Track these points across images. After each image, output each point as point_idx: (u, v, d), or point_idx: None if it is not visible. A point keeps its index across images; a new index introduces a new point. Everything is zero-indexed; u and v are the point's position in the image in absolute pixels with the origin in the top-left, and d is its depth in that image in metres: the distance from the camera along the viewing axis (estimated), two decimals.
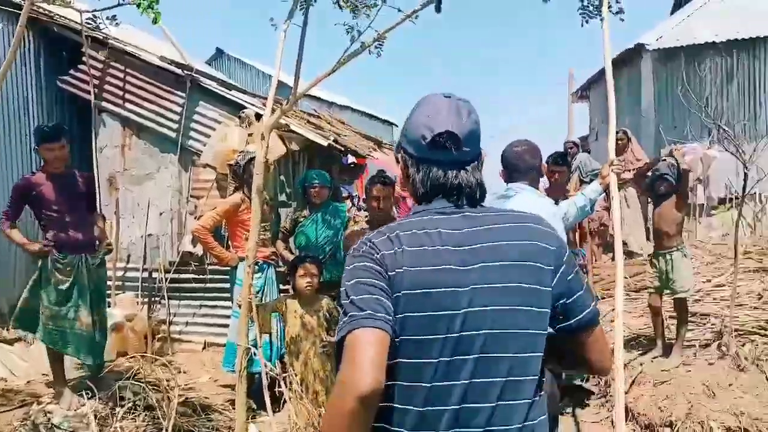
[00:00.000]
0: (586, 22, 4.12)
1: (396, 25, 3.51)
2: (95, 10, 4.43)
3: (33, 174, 4.62)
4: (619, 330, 3.34)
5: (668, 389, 4.72)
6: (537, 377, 1.47)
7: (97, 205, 4.90)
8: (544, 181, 4.24)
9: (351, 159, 9.41)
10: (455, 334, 1.38)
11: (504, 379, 1.40)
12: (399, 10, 3.52)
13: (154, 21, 3.18)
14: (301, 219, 5.25)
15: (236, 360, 3.73)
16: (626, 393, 4.90)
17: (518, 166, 3.22)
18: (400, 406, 1.40)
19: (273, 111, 3.72)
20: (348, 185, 9.90)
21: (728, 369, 4.77)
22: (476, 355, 1.39)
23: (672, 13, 13.37)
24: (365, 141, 9.30)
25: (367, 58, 3.60)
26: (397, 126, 26.62)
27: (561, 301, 1.51)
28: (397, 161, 1.61)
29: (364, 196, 6.82)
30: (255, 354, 3.73)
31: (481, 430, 1.39)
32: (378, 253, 1.42)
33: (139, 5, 3.12)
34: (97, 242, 4.79)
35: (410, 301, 1.38)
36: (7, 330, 6.29)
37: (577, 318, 1.53)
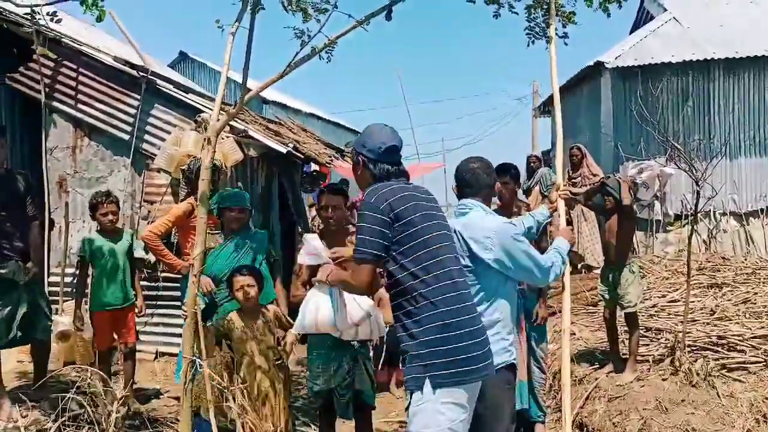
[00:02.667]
0: (532, 42, 4.16)
1: (347, 31, 3.44)
2: (35, 5, 4.24)
3: None
4: (566, 345, 3.35)
5: (622, 404, 4.74)
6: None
7: (34, 207, 4.60)
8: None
9: (313, 167, 9.33)
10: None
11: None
12: (350, 16, 3.46)
13: (98, 19, 3.06)
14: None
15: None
16: (581, 408, 4.92)
17: (471, 182, 3.16)
18: None
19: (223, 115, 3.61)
20: (309, 193, 9.82)
21: (680, 384, 4.80)
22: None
23: (631, 32, 13.64)
24: (328, 149, 9.22)
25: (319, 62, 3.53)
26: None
27: None
28: (357, 162, 2.77)
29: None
30: (200, 366, 3.59)
31: None
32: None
33: (82, 2, 2.99)
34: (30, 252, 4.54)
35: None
36: None
37: None
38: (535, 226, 3.59)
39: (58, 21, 4.39)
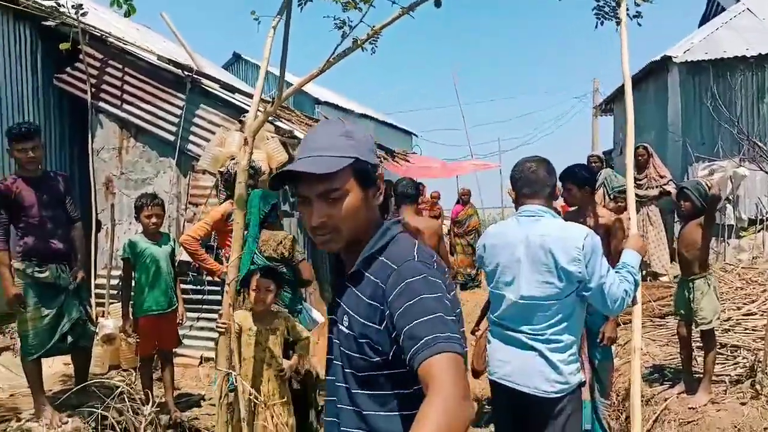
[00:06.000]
0: (601, 23, 3.86)
1: (392, 21, 3.14)
2: None
3: (5, 180, 4.31)
4: (637, 367, 2.97)
5: (695, 430, 4.30)
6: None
7: (75, 208, 4.55)
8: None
9: None
10: None
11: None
12: (394, 2, 3.16)
13: (127, 14, 2.88)
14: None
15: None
16: (648, 431, 4.50)
17: (529, 184, 2.82)
18: None
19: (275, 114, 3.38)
20: None
21: (762, 410, 4.31)
22: None
23: (700, 25, 12.94)
24: (377, 150, 8.97)
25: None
26: (417, 136, 26.36)
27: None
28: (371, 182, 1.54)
29: None
30: (235, 379, 3.38)
31: None
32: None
33: None
34: (74, 256, 4.49)
35: None
36: None
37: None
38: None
39: (84, 14, 4.28)
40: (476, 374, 4.47)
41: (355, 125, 1.55)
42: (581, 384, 2.81)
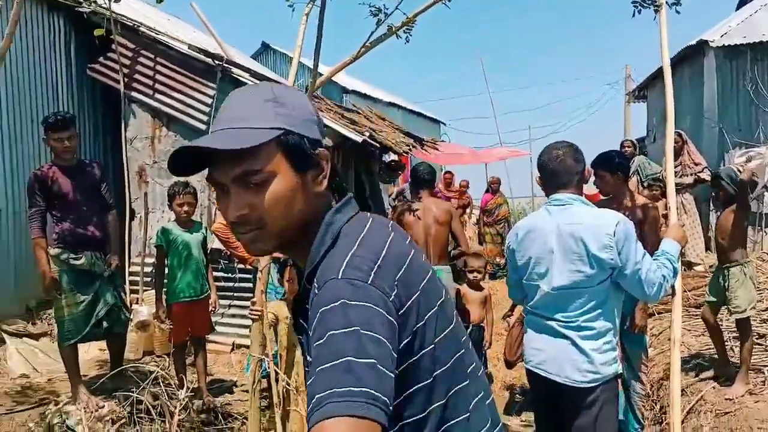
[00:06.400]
0: (638, 12, 3.75)
1: (427, 7, 3.11)
2: None
3: (42, 168, 4.38)
4: (676, 359, 2.90)
5: (732, 421, 4.21)
6: None
7: (109, 195, 4.63)
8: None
9: (392, 156, 9.07)
10: None
11: None
12: None
13: (159, 0, 2.89)
14: None
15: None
16: (683, 422, 4.42)
17: (557, 171, 2.77)
18: None
19: None
20: (387, 183, 9.58)
21: None
22: None
23: (737, 8, 12.59)
24: (406, 139, 8.92)
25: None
26: (445, 124, 26.21)
27: None
28: (308, 158, 1.16)
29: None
30: (267, 365, 3.41)
31: None
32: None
33: None
34: (109, 243, 4.57)
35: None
36: (32, 324, 6.20)
37: None
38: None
39: (117, 0, 4.30)
40: (509, 365, 4.45)
41: (290, 89, 1.21)
42: (617, 375, 2.76)
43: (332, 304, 1.00)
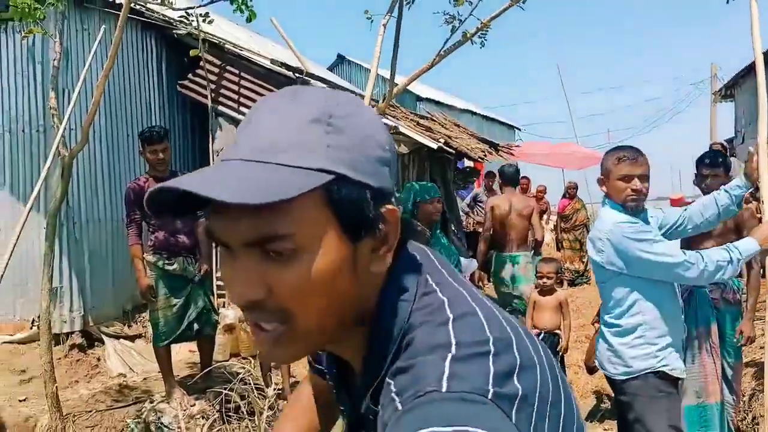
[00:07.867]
0: None
1: (502, 12, 3.15)
2: (189, 8, 4.40)
3: (138, 180, 4.62)
4: None
5: None
6: None
7: None
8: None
9: (467, 162, 9.08)
10: None
11: None
12: None
13: (248, 19, 3.06)
14: None
15: None
16: None
17: (603, 173, 2.84)
18: None
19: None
20: (462, 189, 9.58)
21: None
22: None
23: None
24: (481, 145, 8.92)
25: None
26: (520, 129, 25.88)
27: None
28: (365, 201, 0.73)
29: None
30: None
31: None
32: None
33: (232, 1, 3.00)
34: (199, 250, 4.78)
35: None
36: (128, 326, 6.55)
37: None
38: (728, 203, 3.00)
39: (210, 22, 4.53)
40: (590, 370, 4.39)
41: (351, 100, 0.74)
42: (655, 373, 2.70)
43: None
